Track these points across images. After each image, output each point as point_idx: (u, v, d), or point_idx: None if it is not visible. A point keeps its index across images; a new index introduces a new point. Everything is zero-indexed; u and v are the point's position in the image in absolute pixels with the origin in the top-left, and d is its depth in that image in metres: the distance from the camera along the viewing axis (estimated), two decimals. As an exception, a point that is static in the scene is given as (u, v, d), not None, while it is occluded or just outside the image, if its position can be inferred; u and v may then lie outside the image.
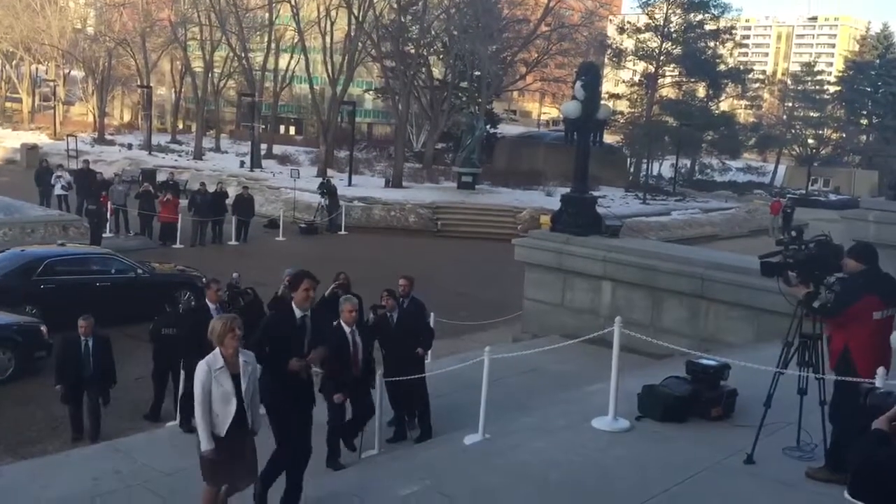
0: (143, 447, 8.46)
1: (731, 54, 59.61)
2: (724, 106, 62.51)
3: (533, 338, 13.67)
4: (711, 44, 54.83)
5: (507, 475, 6.12)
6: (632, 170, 53.88)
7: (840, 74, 73.28)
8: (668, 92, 55.94)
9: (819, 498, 5.62)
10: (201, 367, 5.42)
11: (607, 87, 61.94)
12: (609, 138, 53.79)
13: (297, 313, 6.11)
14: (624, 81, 58.69)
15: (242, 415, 5.50)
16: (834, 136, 67.38)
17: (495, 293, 18.16)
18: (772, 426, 6.45)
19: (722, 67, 55.90)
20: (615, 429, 7.10)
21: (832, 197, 52.20)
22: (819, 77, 72.35)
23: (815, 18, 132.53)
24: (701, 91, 56.95)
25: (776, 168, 67.35)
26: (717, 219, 37.97)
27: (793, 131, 67.53)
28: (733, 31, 57.61)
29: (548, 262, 14.06)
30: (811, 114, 67.42)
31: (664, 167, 56.99)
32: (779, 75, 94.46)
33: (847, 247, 6.28)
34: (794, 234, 6.70)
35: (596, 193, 25.27)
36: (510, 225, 30.31)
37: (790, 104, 70.48)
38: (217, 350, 5.49)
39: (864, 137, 67.36)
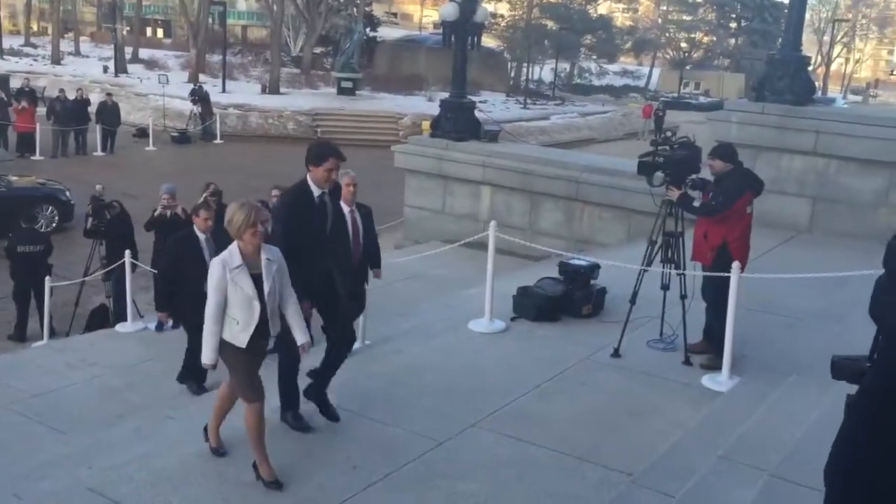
0: (7, 368, 8.09)
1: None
2: (602, 10, 63.15)
3: (415, 244, 13.75)
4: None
5: (384, 380, 6.19)
6: (513, 74, 54.01)
7: (712, -23, 74.90)
8: (548, -6, 55.89)
9: (677, 385, 5.98)
10: (215, 266, 4.48)
11: (488, -11, 61.23)
12: (490, 42, 53.67)
13: (316, 192, 5.08)
14: (504, -16, 58.20)
15: (265, 322, 4.52)
16: (705, 39, 69.34)
17: (378, 200, 17.79)
18: (637, 321, 6.77)
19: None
20: (491, 330, 7.28)
21: (702, 100, 54.01)
22: (691, -19, 73.73)
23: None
24: (579, -6, 57.16)
25: (651, 72, 68.99)
26: (595, 122, 38.79)
27: (667, 35, 69.03)
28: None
29: (428, 168, 14.02)
30: (684, 17, 68.94)
31: (545, 71, 57.38)
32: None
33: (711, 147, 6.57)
34: (669, 134, 6.92)
35: (477, 98, 25.26)
36: (392, 131, 30.01)
37: (665, 7, 71.79)
38: (234, 245, 4.49)
39: (733, 41, 69.61)
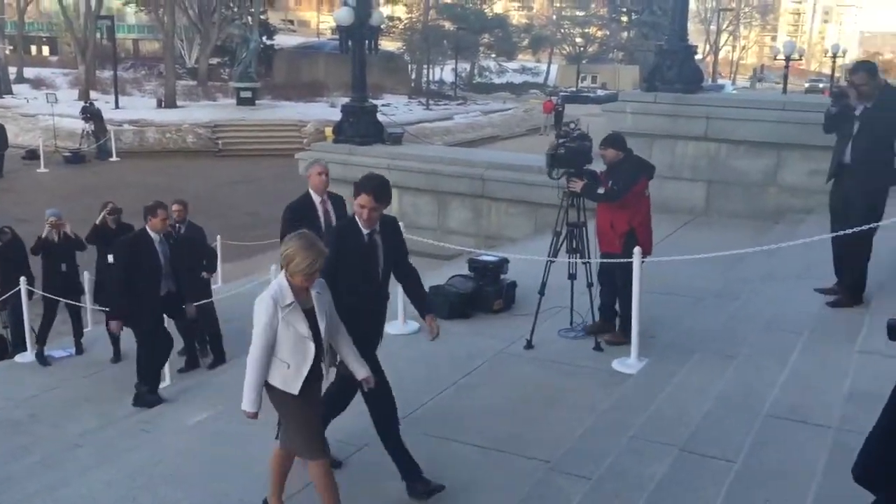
0: None
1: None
2: (498, 8, 64.02)
3: (323, 251, 13.65)
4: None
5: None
6: (414, 76, 54.15)
7: (601, -27, 76.85)
8: (443, -4, 56.31)
9: (589, 371, 6.13)
10: (265, 304, 3.89)
11: (383, -9, 61.20)
12: (389, 45, 53.63)
13: (364, 231, 4.45)
14: (399, -14, 58.32)
15: (319, 364, 4.04)
16: (599, 33, 71.11)
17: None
18: (548, 312, 6.91)
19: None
20: (405, 332, 7.29)
21: (599, 92, 55.37)
22: (583, -24, 75.49)
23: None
24: (475, -8, 57.80)
25: (549, 67, 70.30)
26: (497, 120, 39.28)
27: (562, 31, 70.48)
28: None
29: (334, 174, 13.78)
30: (577, 13, 70.55)
31: (445, 72, 57.79)
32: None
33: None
34: (572, 126, 7.10)
35: (379, 102, 25.24)
36: (296, 139, 29.68)
37: (558, 4, 73.31)
38: (282, 279, 3.94)
39: (625, 34, 71.62)
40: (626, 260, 6.26)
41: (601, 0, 71.07)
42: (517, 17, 75.32)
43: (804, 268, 7.29)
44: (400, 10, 56.91)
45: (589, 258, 6.64)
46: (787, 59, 36.37)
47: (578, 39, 69.99)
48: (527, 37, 68.34)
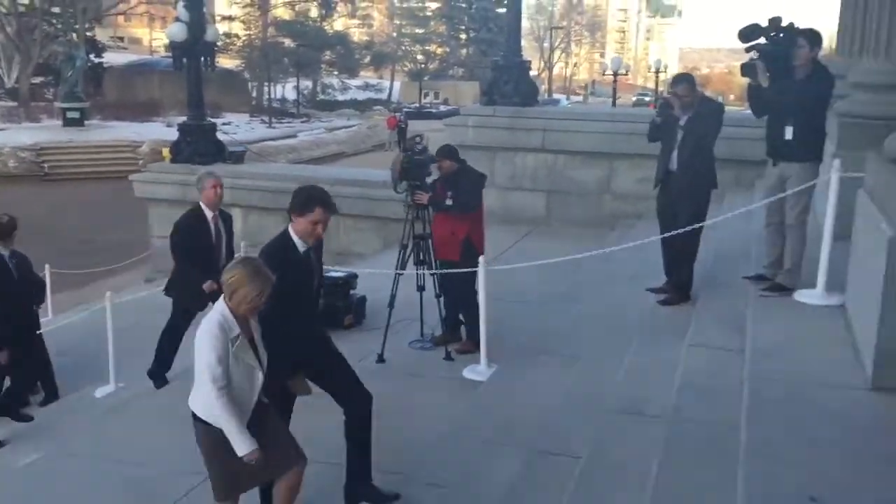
0: None
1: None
2: (338, 25, 63.87)
3: (167, 277, 13.09)
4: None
5: (141, 420, 5.85)
6: (254, 94, 53.14)
7: (439, -10, 78.41)
8: (282, 12, 55.61)
9: (441, 381, 6.20)
10: (214, 335, 3.55)
11: (220, 7, 59.73)
12: (228, 63, 52.36)
13: (301, 247, 4.19)
14: (236, 2, 57.08)
15: (263, 392, 3.79)
16: (439, 50, 72.49)
17: (123, 234, 17.00)
18: (398, 325, 6.94)
19: (330, -14, 56.81)
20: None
21: (442, 108, 56.28)
22: (422, -6, 76.76)
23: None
24: (314, 11, 57.47)
25: (392, 84, 70.84)
26: (343, 137, 39.20)
27: (403, 48, 71.31)
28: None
29: (173, 195, 13.40)
30: (417, 30, 71.63)
31: (287, 90, 57.02)
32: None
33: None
34: (418, 140, 7.23)
35: (219, 120, 24.55)
36: (131, 160, 28.41)
37: (398, 22, 74.14)
38: (223, 307, 3.62)
39: (464, 51, 73.33)
40: (469, 269, 6.39)
41: (439, 18, 72.46)
42: (358, 35, 75.45)
43: (638, 269, 7.70)
44: (237, 27, 55.74)
45: (436, 269, 6.73)
46: (616, 74, 38.45)
47: (419, 56, 71.06)
48: (368, 53, 68.59)
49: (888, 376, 3.84)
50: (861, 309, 4.42)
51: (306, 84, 57.35)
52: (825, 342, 4.63)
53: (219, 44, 16.15)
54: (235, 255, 6.90)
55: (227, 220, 6.87)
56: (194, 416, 3.71)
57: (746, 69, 5.72)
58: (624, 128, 11.31)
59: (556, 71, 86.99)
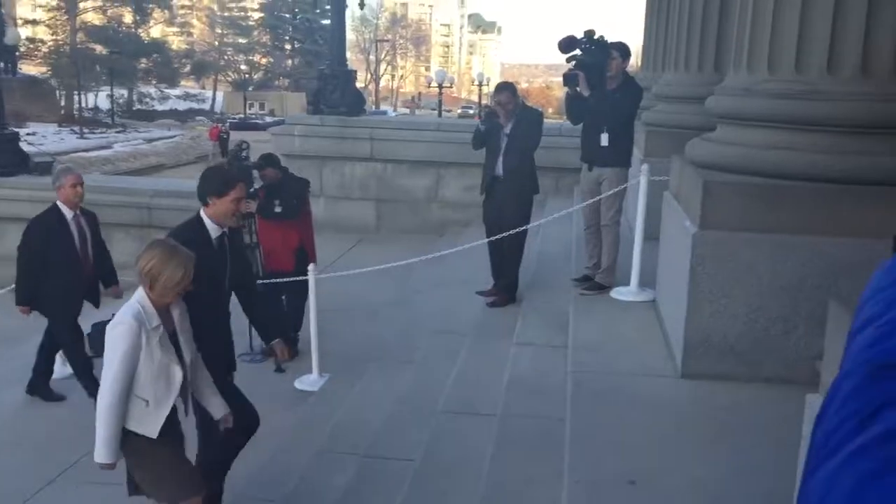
0: None
1: (153, -21, 58.32)
2: (155, 33, 61.26)
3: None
4: (131, -33, 52.86)
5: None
6: (63, 103, 49.87)
7: (262, 1, 76.99)
8: (92, 17, 52.60)
9: (271, 394, 6.04)
10: (127, 326, 3.22)
11: (23, 10, 55.63)
12: (32, 69, 48.85)
13: (213, 233, 3.91)
14: (41, 5, 53.43)
15: (186, 396, 3.49)
16: (263, 61, 71.14)
17: None
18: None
19: (146, -8, 54.44)
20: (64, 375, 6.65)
21: (268, 119, 55.23)
22: (243, 3, 75.07)
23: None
24: (127, 17, 54.80)
25: (214, 94, 68.77)
26: (162, 148, 37.49)
27: (225, 57, 69.40)
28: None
29: (-31, 210, 12.32)
30: (240, 40, 69.98)
31: (101, 98, 53.94)
32: (205, 1, 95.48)
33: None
34: (244, 146, 7.05)
35: (23, 130, 22.84)
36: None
37: (219, 30, 72.08)
38: (141, 296, 3.32)
39: (290, 61, 72.39)
40: (301, 278, 6.29)
41: (263, 28, 71.15)
42: (177, 43, 72.66)
43: (467, 274, 7.87)
44: (42, 32, 52.16)
45: (264, 279, 6.57)
46: (441, 86, 39.29)
47: (243, 66, 69.41)
48: (188, 62, 66.22)
49: (695, 365, 4.13)
50: (670, 303, 4.74)
51: (121, 93, 54.50)
52: (639, 335, 4.92)
53: (21, 49, 14.99)
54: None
55: (91, 219, 6.23)
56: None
57: (569, 79, 6.00)
58: (450, 137, 11.56)
59: (382, 83, 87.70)
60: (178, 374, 3.38)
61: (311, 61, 66.87)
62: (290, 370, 6.40)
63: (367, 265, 7.94)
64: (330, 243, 9.30)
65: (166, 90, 59.59)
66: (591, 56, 5.87)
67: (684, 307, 4.14)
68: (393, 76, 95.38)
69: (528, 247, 7.02)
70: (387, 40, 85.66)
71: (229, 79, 70.68)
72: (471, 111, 60.89)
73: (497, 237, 6.66)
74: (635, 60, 12.03)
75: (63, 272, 5.94)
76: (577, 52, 5.95)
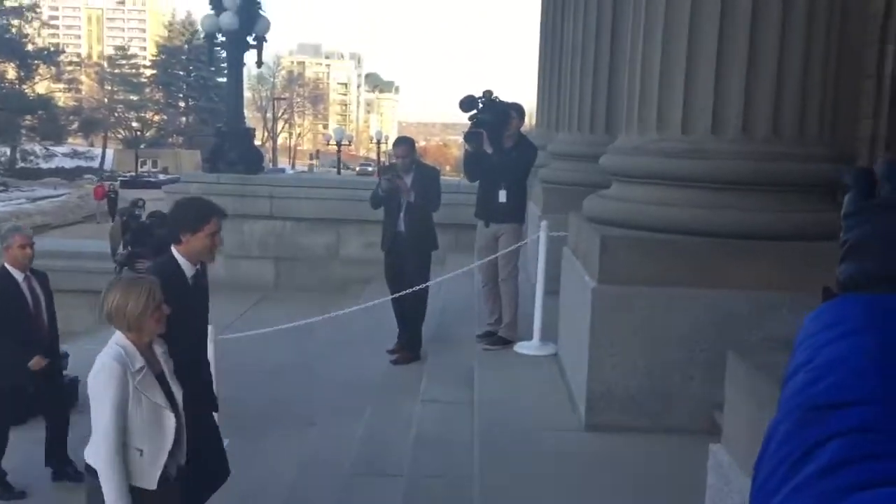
0: None
1: (39, 34, 56.75)
2: (41, 89, 59.29)
3: None
4: (16, 22, 51.28)
5: None
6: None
7: (154, 58, 75.84)
8: (-28, 72, 50.61)
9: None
10: (111, 371, 2.99)
11: None
12: None
13: (188, 271, 3.72)
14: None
15: (181, 441, 3.20)
16: (156, 118, 69.79)
17: None
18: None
19: (31, 47, 52.79)
20: None
21: (161, 177, 53.96)
22: (134, 61, 73.86)
23: (123, 2, 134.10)
24: (11, 72, 52.94)
25: (104, 152, 66.87)
26: (48, 207, 36.02)
27: (115, 114, 67.75)
28: (38, 10, 54.87)
29: None
30: (131, 97, 68.52)
31: (-20, 156, 51.64)
32: (94, 58, 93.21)
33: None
34: (140, 204, 6.86)
35: None
36: None
37: (109, 87, 70.42)
38: (121, 339, 3.09)
39: (184, 119, 71.26)
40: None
41: (155, 85, 69.96)
42: (64, 99, 70.53)
43: (369, 332, 7.82)
44: (-83, 86, 49.82)
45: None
46: (339, 144, 39.45)
47: (135, 123, 67.88)
48: (76, 119, 64.28)
49: (598, 417, 4.22)
50: (572, 357, 4.83)
51: (3, 150, 52.28)
52: (543, 389, 4.99)
53: None
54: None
55: (42, 280, 5.77)
56: (90, 471, 3.12)
57: (471, 137, 6.15)
58: (350, 194, 11.56)
59: (280, 141, 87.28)
60: (170, 420, 3.16)
61: (205, 119, 66.03)
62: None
63: (267, 324, 7.79)
64: (228, 303, 9.08)
65: (52, 147, 57.56)
66: (492, 115, 6.05)
67: (586, 360, 4.23)
68: (290, 134, 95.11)
69: (430, 303, 7.05)
70: (284, 98, 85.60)
71: (120, 136, 68.94)
72: (370, 169, 61.24)
73: (401, 294, 6.68)
74: (529, 120, 12.45)
75: (15, 339, 5.49)
76: (476, 111, 6.12)
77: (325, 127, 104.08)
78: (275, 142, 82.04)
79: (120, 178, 45.23)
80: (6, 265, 5.59)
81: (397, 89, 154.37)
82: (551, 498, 3.52)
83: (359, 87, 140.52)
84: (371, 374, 6.65)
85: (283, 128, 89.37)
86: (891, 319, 0.59)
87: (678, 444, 3.87)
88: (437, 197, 6.88)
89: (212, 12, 12.38)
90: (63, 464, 5.55)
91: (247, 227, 11.84)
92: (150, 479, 3.11)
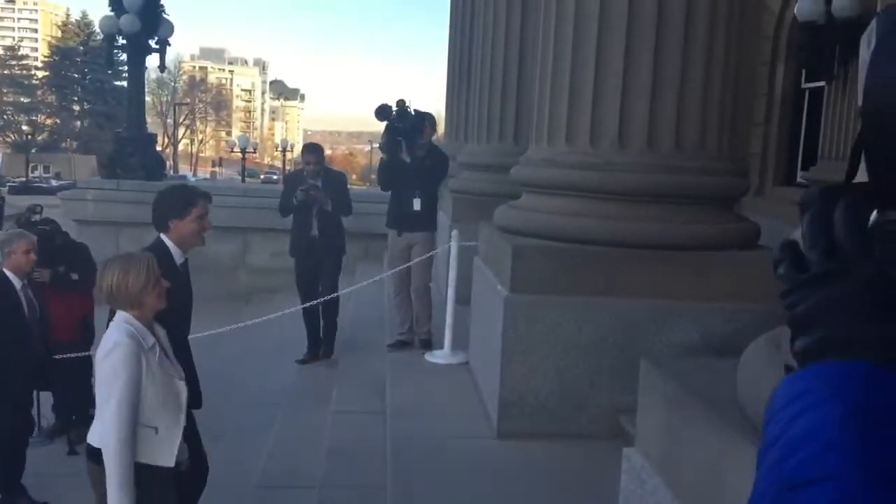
0: None
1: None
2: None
3: None
4: None
5: None
6: None
7: (47, 60, 72.74)
8: None
9: (63, 480, 5.56)
10: (126, 347, 2.90)
11: None
12: None
13: (178, 258, 3.65)
14: None
15: (192, 414, 3.22)
16: (49, 121, 66.91)
17: None
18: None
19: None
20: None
21: (54, 182, 51.72)
22: (25, 62, 70.68)
23: (13, 1, 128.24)
24: None
25: (-8, 156, 63.70)
26: (-71, 213, 34.02)
27: (4, 117, 64.63)
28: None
29: None
30: (22, 99, 65.50)
31: None
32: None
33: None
34: (38, 209, 6.56)
35: None
36: None
37: (-2, 89, 67.25)
38: (128, 316, 3.00)
39: (79, 123, 68.57)
40: (84, 353, 5.89)
41: (48, 87, 67.11)
42: (-52, 101, 66.98)
43: (278, 341, 7.70)
44: None
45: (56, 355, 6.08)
46: (244, 151, 38.75)
47: (25, 127, 64.88)
48: (-39, 121, 61.12)
49: (510, 425, 4.27)
50: (483, 365, 4.89)
51: None
52: (455, 398, 5.02)
53: None
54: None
55: (40, 290, 5.45)
56: (93, 452, 3.00)
57: (390, 145, 6.15)
58: (256, 202, 11.38)
59: (181, 147, 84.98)
60: (183, 391, 3.12)
61: (101, 123, 63.74)
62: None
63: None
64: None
65: (-66, 151, 54.52)
66: (409, 124, 6.10)
67: (498, 368, 4.29)
68: (192, 140, 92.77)
69: (341, 312, 7.01)
70: (185, 104, 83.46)
71: (10, 140, 65.74)
72: (275, 177, 60.36)
73: (320, 300, 6.65)
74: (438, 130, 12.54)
75: (8, 349, 5.10)
76: (390, 120, 6.15)
77: (229, 134, 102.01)
78: (176, 148, 79.85)
79: (9, 184, 43.07)
80: (5, 270, 5.20)
81: (303, 97, 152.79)
82: (464, 505, 3.54)
83: (263, 94, 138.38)
84: (281, 385, 6.55)
85: (184, 134, 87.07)
86: (850, 387, 0.60)
87: (587, 450, 3.96)
88: (349, 200, 6.90)
89: (111, 13, 11.97)
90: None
91: (148, 236, 11.47)
92: (166, 457, 3.04)
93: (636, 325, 4.17)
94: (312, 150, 7.01)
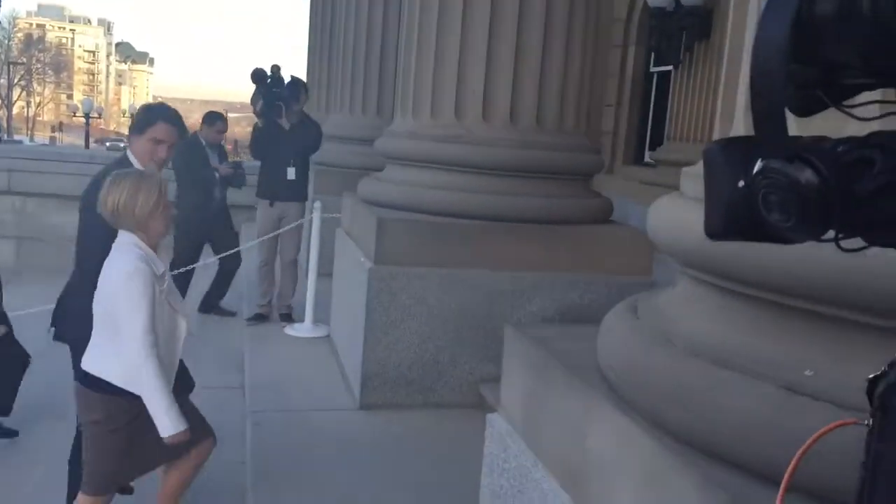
0: None
1: None
2: None
3: None
4: None
5: None
6: None
7: None
8: None
9: None
10: (143, 272, 2.72)
11: None
12: None
13: None
14: None
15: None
16: None
17: None
18: None
19: None
20: None
21: None
22: None
23: None
24: None
25: None
26: None
27: None
28: None
29: None
30: None
31: None
32: None
33: None
34: None
35: None
36: None
37: None
38: (135, 239, 2.81)
39: None
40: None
41: None
42: None
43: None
44: None
45: None
46: (87, 116, 36.54)
47: None
48: None
49: (372, 396, 4.29)
50: (346, 337, 4.87)
51: None
52: (316, 371, 4.98)
53: None
54: None
55: None
56: (92, 380, 2.84)
57: (268, 110, 5.95)
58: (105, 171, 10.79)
59: (16, 110, 79.11)
60: (183, 326, 3.01)
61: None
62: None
63: (10, 309, 7.09)
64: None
65: None
66: (285, 90, 5.95)
67: (361, 340, 4.28)
68: (28, 103, 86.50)
69: (197, 286, 6.77)
70: (21, 63, 77.60)
71: None
72: (121, 145, 57.34)
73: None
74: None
75: None
76: (264, 85, 6.00)
77: (70, 97, 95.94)
78: (10, 110, 74.23)
79: None
80: None
81: (152, 61, 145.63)
82: (327, 479, 3.53)
83: (109, 56, 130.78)
84: (131, 362, 6.27)
85: (19, 95, 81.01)
86: None
87: (449, 418, 4.04)
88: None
89: (-64, -40, 10.93)
90: None
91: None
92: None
93: (497, 297, 4.27)
94: (220, 119, 6.78)
